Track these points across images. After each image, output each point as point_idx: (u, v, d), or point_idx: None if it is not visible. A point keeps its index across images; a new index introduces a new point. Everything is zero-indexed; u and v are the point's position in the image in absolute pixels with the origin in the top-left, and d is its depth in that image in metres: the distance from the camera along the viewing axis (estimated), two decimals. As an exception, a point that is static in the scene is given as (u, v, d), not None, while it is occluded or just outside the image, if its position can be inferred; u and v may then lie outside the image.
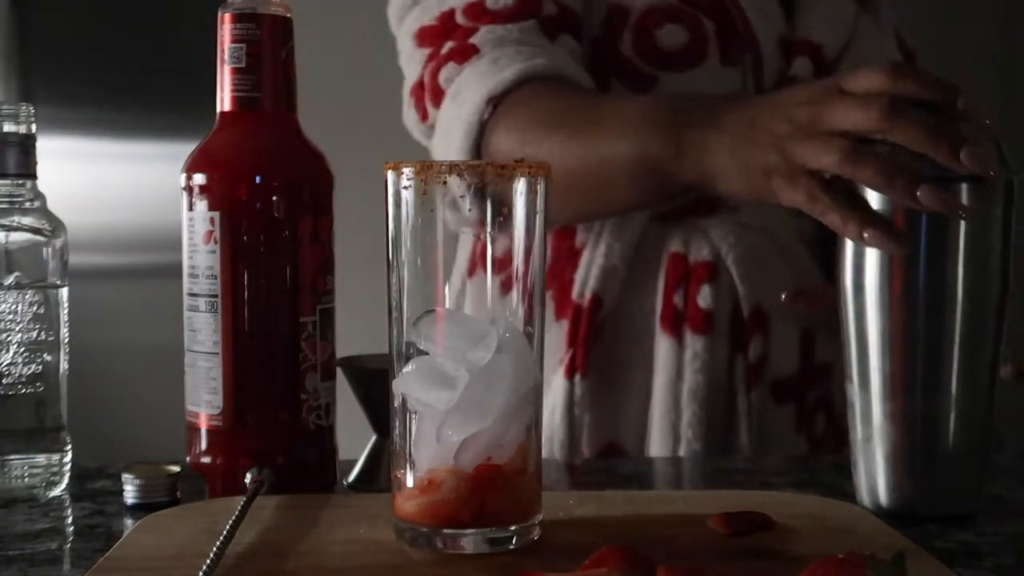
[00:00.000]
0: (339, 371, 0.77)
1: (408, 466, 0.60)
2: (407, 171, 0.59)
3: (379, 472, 0.80)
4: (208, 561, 0.55)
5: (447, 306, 0.60)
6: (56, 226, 0.78)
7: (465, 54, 0.99)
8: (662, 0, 1.03)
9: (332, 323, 0.74)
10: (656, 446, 1.00)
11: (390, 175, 0.60)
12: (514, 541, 0.60)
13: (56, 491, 0.77)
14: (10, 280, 0.76)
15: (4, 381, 0.75)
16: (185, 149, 0.74)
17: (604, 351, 1.02)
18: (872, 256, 0.70)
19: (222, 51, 0.73)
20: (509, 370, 0.59)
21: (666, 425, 0.99)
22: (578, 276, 1.03)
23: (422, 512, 0.59)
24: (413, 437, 0.60)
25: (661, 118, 0.88)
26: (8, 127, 0.76)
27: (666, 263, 1.02)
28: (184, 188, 0.73)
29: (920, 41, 1.21)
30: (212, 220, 0.71)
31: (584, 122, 0.92)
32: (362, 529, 0.63)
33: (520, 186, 0.59)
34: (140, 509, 0.72)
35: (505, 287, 0.60)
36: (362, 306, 1.07)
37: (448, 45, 1.01)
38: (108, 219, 2.17)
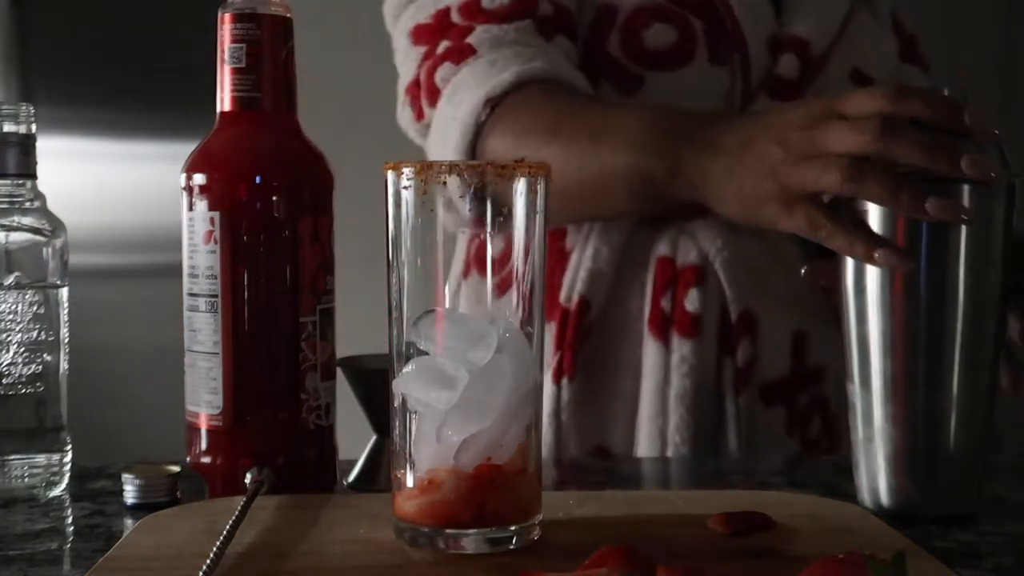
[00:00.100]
0: (339, 371, 0.77)
1: (408, 466, 0.60)
2: (407, 171, 0.59)
3: (379, 472, 0.80)
4: (208, 561, 0.55)
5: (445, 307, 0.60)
6: (56, 226, 0.78)
7: (462, 54, 0.99)
8: (650, 0, 1.03)
9: (332, 323, 0.74)
10: (643, 450, 0.99)
11: (390, 175, 0.60)
12: (514, 541, 0.60)
13: (56, 491, 0.77)
14: (10, 280, 0.76)
15: (4, 381, 0.75)
16: (185, 149, 0.74)
17: (591, 355, 1.02)
18: (872, 256, 0.70)
19: (222, 51, 0.73)
20: (509, 370, 0.59)
21: (653, 429, 0.99)
22: (566, 279, 1.02)
23: (422, 512, 0.59)
24: (413, 437, 0.60)
25: (660, 133, 0.88)
26: (8, 127, 0.76)
27: (654, 266, 1.02)
28: (184, 188, 0.73)
29: (920, 41, 1.20)
30: (212, 220, 0.71)
31: (583, 130, 0.92)
32: (362, 529, 0.63)
33: (520, 186, 0.59)
34: (140, 509, 0.72)
35: (501, 289, 0.60)
36: (362, 306, 1.07)
37: (444, 44, 1.01)
38: (108, 219, 2.17)
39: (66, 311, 0.78)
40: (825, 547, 0.58)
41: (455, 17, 1.02)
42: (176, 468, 0.76)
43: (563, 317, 1.01)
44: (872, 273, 0.70)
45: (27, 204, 0.77)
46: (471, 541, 0.59)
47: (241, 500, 0.64)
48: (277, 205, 0.71)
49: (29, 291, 0.76)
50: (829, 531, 0.64)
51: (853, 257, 0.70)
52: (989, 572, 0.62)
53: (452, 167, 0.59)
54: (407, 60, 1.05)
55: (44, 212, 0.78)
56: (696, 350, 0.99)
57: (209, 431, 0.72)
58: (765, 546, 0.61)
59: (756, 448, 1.01)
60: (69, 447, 0.78)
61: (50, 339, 0.77)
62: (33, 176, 0.78)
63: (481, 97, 0.95)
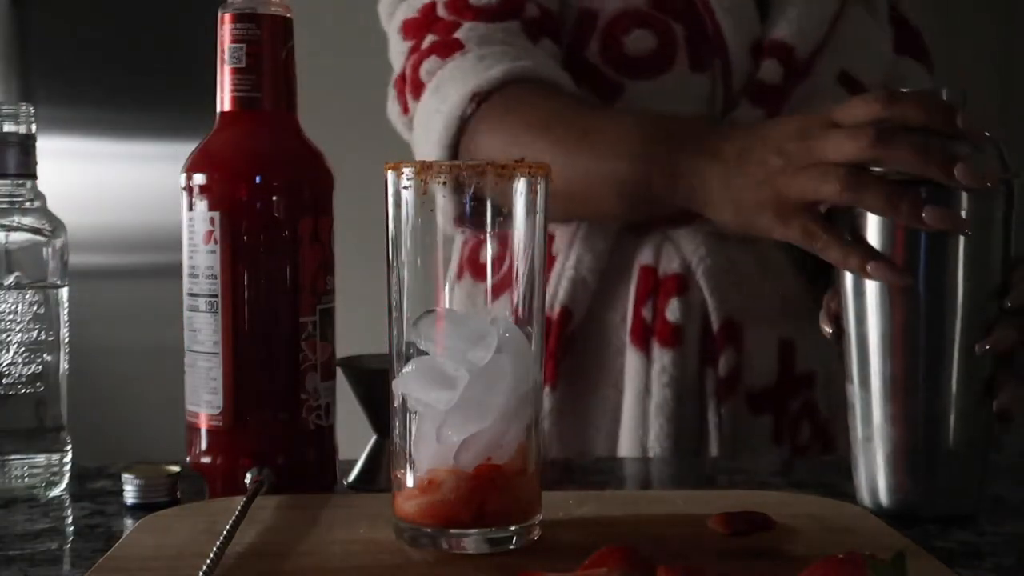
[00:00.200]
0: (339, 371, 0.77)
1: (408, 466, 0.60)
2: (407, 171, 0.59)
3: (379, 472, 0.80)
4: (208, 561, 0.55)
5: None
6: (56, 226, 0.78)
7: (449, 49, 0.99)
8: (631, 5, 1.02)
9: (332, 323, 0.74)
10: None
11: (390, 175, 0.60)
12: (514, 541, 0.60)
13: (56, 491, 0.77)
14: (10, 280, 0.76)
15: (4, 381, 0.75)
16: (185, 149, 0.74)
17: (573, 364, 1.02)
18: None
19: (222, 51, 0.73)
20: (509, 370, 0.59)
21: (634, 440, 0.99)
22: (548, 288, 1.01)
23: (422, 512, 0.59)
24: (413, 437, 0.60)
25: (656, 139, 0.87)
26: (8, 127, 0.76)
27: (636, 275, 1.02)
28: (184, 188, 0.73)
29: (921, 32, 1.19)
30: (212, 220, 0.71)
31: (574, 131, 0.92)
32: (362, 529, 0.63)
33: (520, 186, 0.59)
34: (140, 509, 0.72)
35: (494, 292, 0.60)
36: (362, 306, 1.07)
37: (430, 38, 1.00)
38: (108, 219, 2.17)
39: (66, 311, 0.78)
40: (825, 547, 0.58)
41: (440, 11, 1.01)
42: (176, 468, 0.76)
43: (545, 326, 1.01)
44: (872, 273, 0.70)
45: (27, 204, 0.77)
46: (471, 541, 0.59)
47: (241, 500, 0.64)
48: (277, 205, 0.71)
49: (29, 291, 0.76)
50: (829, 531, 0.64)
51: (848, 270, 0.71)
52: (989, 572, 0.62)
53: (452, 167, 0.59)
54: (397, 56, 1.05)
55: (44, 212, 0.78)
56: (676, 360, 0.99)
57: (209, 431, 0.72)
58: (765, 546, 0.61)
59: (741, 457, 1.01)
60: (69, 447, 0.78)
61: (50, 339, 0.77)
62: (33, 176, 0.78)
63: (468, 91, 0.95)
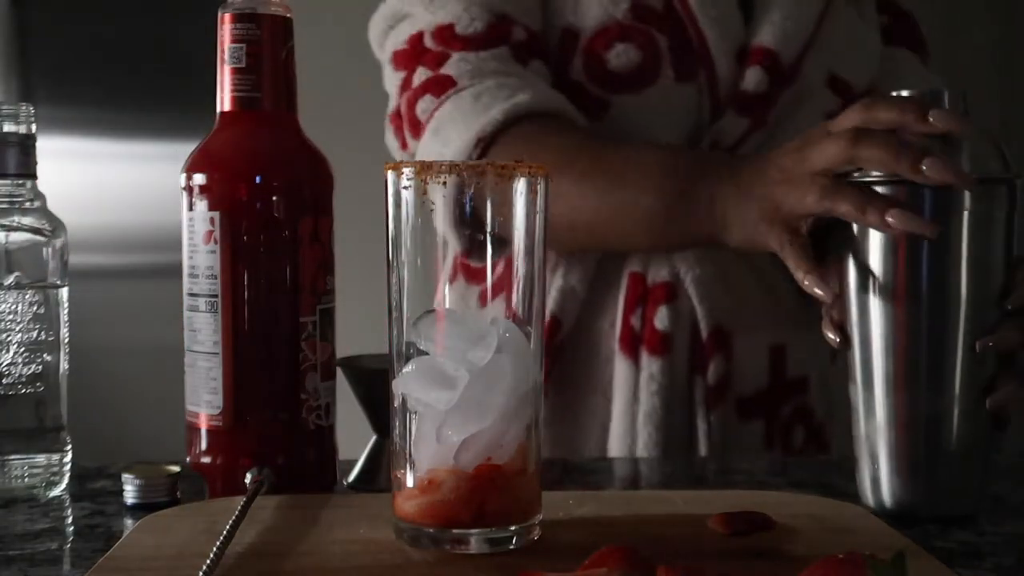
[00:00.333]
0: (339, 371, 0.77)
1: (408, 466, 0.60)
2: (407, 171, 0.59)
3: (379, 472, 0.80)
4: (208, 561, 0.55)
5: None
6: (56, 226, 0.78)
7: (442, 86, 0.97)
8: (611, 19, 1.00)
9: (332, 323, 0.74)
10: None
11: (390, 175, 0.60)
12: (514, 541, 0.60)
13: (56, 491, 0.77)
14: (10, 280, 0.76)
15: (4, 381, 0.75)
16: (185, 149, 0.74)
17: (563, 372, 1.01)
18: (875, 257, 0.70)
19: (222, 51, 0.73)
20: (509, 370, 0.59)
21: (623, 447, 0.99)
22: None
23: (422, 512, 0.59)
24: (413, 437, 0.60)
25: (679, 171, 0.87)
26: (8, 127, 0.76)
27: (625, 283, 1.01)
28: (184, 188, 0.73)
29: (912, 18, 1.18)
30: (212, 220, 0.71)
31: (596, 166, 0.92)
32: (362, 529, 0.63)
33: (520, 186, 0.59)
34: (140, 509, 0.72)
35: (484, 297, 0.60)
36: (362, 306, 1.07)
37: (421, 71, 0.99)
38: (108, 219, 2.17)
39: (66, 311, 0.78)
40: (825, 547, 0.58)
41: (428, 42, 1.00)
42: (176, 468, 0.76)
43: None
44: (874, 273, 0.70)
45: (27, 204, 0.77)
46: (471, 541, 0.59)
47: (241, 500, 0.64)
48: (277, 205, 0.71)
49: (29, 291, 0.76)
50: (829, 531, 0.64)
51: (812, 294, 0.73)
52: (989, 572, 0.62)
53: (452, 167, 0.59)
54: (391, 86, 1.04)
55: (44, 212, 0.78)
56: (665, 368, 0.99)
57: (209, 431, 0.72)
58: (765, 546, 0.61)
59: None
60: (69, 447, 0.78)
61: (50, 339, 0.77)
62: (33, 176, 0.78)
63: (471, 137, 0.94)
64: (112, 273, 2.18)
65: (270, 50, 0.72)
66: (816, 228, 0.75)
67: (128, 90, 2.20)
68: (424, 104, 0.98)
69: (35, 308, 0.76)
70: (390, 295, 0.61)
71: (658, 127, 1.00)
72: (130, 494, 0.74)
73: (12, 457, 0.75)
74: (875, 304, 0.70)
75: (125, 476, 0.75)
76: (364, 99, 1.07)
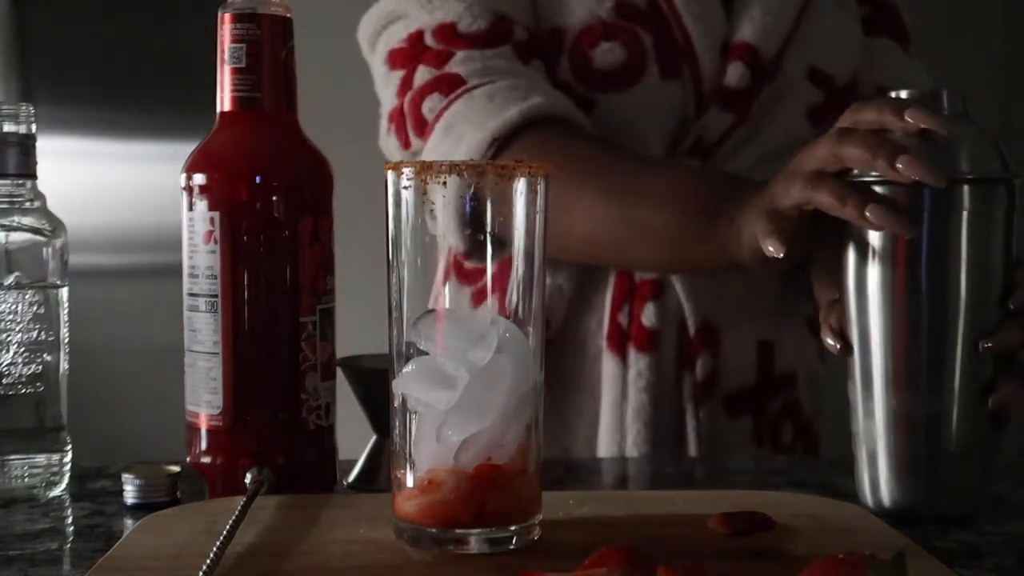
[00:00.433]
0: (339, 371, 0.77)
1: (408, 466, 0.60)
2: (407, 171, 0.59)
3: (379, 472, 0.80)
4: (208, 561, 0.55)
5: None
6: (56, 226, 0.78)
7: (451, 85, 0.96)
8: (596, 18, 1.00)
9: (332, 323, 0.74)
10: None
11: (390, 175, 0.60)
12: (514, 541, 0.60)
13: (56, 491, 0.77)
14: (10, 280, 0.76)
15: (4, 381, 0.75)
16: (185, 149, 0.74)
17: (551, 370, 1.00)
18: (874, 256, 0.70)
19: (222, 51, 0.73)
20: (509, 370, 0.59)
21: (612, 444, 0.99)
22: None
23: (422, 512, 0.59)
24: (413, 437, 0.60)
25: (705, 193, 0.87)
26: (8, 127, 0.76)
27: (612, 281, 1.01)
28: (184, 188, 0.73)
29: (920, 41, 1.19)
30: (212, 220, 0.71)
31: (620, 181, 0.91)
32: (362, 529, 0.63)
33: (520, 186, 0.59)
34: (140, 509, 0.72)
35: (479, 296, 0.60)
36: (362, 306, 1.07)
37: (423, 70, 0.98)
38: (108, 219, 2.17)
39: (66, 311, 0.78)
40: (825, 547, 0.58)
41: (429, 40, 0.99)
42: (176, 468, 0.76)
43: None
44: (873, 272, 0.70)
45: (27, 204, 0.77)
46: (471, 541, 0.59)
47: (241, 500, 0.64)
48: (277, 205, 0.71)
49: (29, 291, 0.76)
50: (829, 531, 0.64)
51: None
52: (989, 572, 0.62)
53: (452, 167, 0.59)
54: (387, 85, 1.03)
55: (44, 212, 0.78)
56: (653, 365, 0.99)
57: (209, 431, 0.72)
58: (765, 546, 0.61)
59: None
60: (69, 447, 0.78)
61: (50, 339, 0.77)
62: (33, 176, 0.78)
63: (487, 135, 0.93)
64: (112, 273, 2.18)
65: (270, 50, 0.72)
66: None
67: (128, 90, 2.20)
68: (431, 103, 0.97)
69: (35, 308, 0.76)
70: (390, 295, 0.61)
71: (644, 125, 1.00)
72: (130, 494, 0.74)
73: (12, 457, 0.75)
74: (874, 303, 0.70)
75: (125, 476, 0.75)
76: (364, 99, 1.07)
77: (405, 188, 0.59)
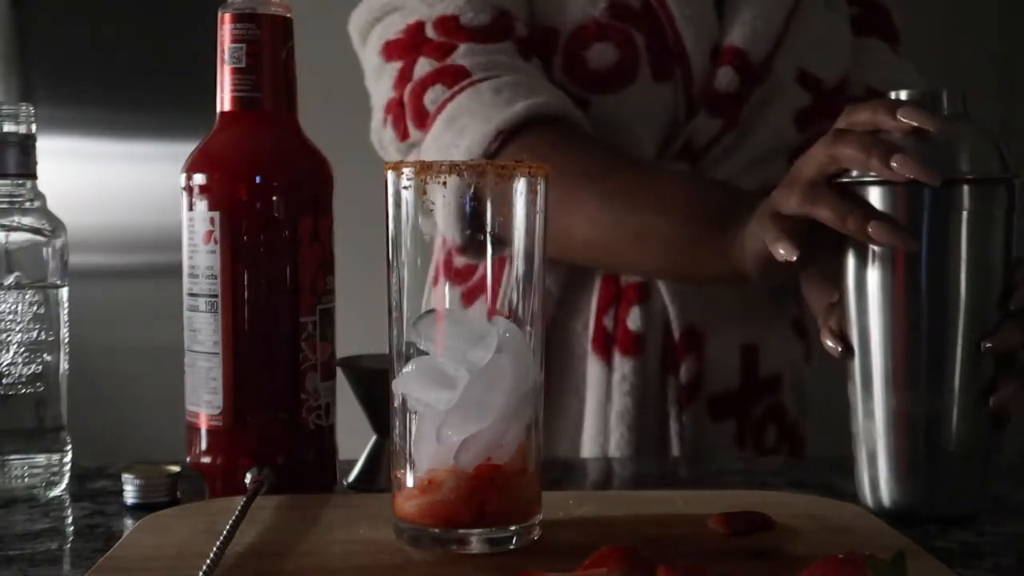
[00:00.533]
0: (339, 371, 0.77)
1: (408, 466, 0.60)
2: (407, 171, 0.59)
3: (379, 472, 0.80)
4: (208, 561, 0.55)
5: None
6: (56, 226, 0.78)
7: (455, 77, 0.96)
8: (590, 18, 1.00)
9: (332, 323, 0.74)
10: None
11: (390, 175, 0.60)
12: (514, 541, 0.60)
13: (56, 491, 0.77)
14: (10, 280, 0.76)
15: (4, 381, 0.75)
16: (185, 149, 0.74)
17: None
18: (874, 257, 0.70)
19: (222, 51, 0.73)
20: (509, 370, 0.59)
21: (595, 447, 0.99)
22: None
23: (422, 512, 0.59)
24: (413, 437, 0.60)
25: (711, 203, 0.87)
26: (8, 127, 0.76)
27: (598, 284, 1.01)
28: (184, 188, 0.73)
29: (916, 42, 1.18)
30: (212, 220, 0.71)
31: (627, 185, 0.91)
32: (362, 529, 0.63)
33: (520, 186, 0.59)
34: (140, 509, 0.72)
35: (467, 297, 0.60)
36: (362, 306, 1.07)
37: (424, 61, 0.97)
38: (108, 219, 2.17)
39: (66, 311, 0.78)
40: (825, 547, 0.58)
41: (430, 32, 0.98)
42: (176, 468, 0.76)
43: None
44: (873, 272, 0.70)
45: (27, 204, 0.77)
46: (471, 541, 0.59)
47: (241, 500, 0.64)
48: (277, 205, 0.71)
49: (29, 291, 0.76)
50: (829, 531, 0.64)
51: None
52: (989, 572, 0.62)
53: (452, 167, 0.59)
54: (382, 77, 1.02)
55: (44, 212, 0.78)
56: (637, 368, 0.99)
57: (209, 431, 0.72)
58: (765, 546, 0.61)
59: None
60: (69, 447, 0.78)
61: (50, 339, 0.77)
62: (33, 176, 0.78)
63: (492, 128, 0.92)
64: (112, 273, 2.18)
65: (270, 50, 0.72)
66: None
67: (128, 90, 2.20)
68: (434, 94, 0.96)
69: (35, 308, 0.76)
70: (390, 295, 0.61)
71: (636, 126, 1.00)
72: (130, 494, 0.74)
73: (12, 457, 0.75)
74: (874, 304, 0.70)
75: (125, 476, 0.75)
76: (364, 99, 1.07)
77: (405, 188, 0.59)
